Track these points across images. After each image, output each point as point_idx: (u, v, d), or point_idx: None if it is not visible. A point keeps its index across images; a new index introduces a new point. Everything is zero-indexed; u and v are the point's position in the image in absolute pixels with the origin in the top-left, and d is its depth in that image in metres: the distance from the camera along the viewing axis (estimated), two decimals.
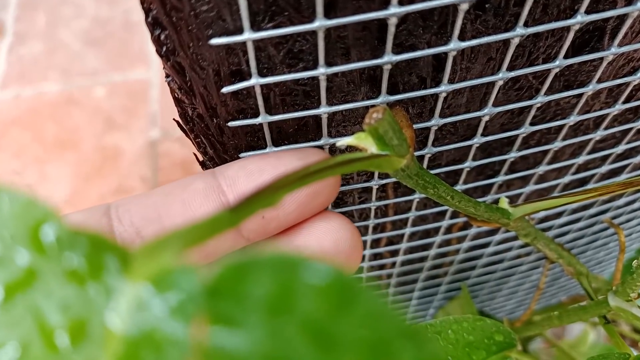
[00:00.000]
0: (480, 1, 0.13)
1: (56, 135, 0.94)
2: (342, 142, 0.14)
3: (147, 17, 0.12)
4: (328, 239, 0.15)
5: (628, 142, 0.21)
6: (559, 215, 0.26)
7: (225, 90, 0.13)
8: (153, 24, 0.12)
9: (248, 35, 0.12)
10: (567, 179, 0.22)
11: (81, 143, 0.94)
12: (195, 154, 0.16)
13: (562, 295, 0.42)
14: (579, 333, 0.53)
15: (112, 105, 0.92)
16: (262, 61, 0.13)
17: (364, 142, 0.14)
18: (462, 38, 0.14)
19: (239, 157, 0.16)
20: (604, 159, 0.22)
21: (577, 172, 0.22)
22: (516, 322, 0.33)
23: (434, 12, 0.13)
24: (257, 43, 0.13)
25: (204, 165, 0.17)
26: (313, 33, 0.13)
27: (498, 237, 0.27)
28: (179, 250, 0.08)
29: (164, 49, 0.12)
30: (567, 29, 0.15)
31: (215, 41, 0.12)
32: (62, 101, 0.97)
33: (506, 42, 0.15)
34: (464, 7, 0.12)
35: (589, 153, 0.21)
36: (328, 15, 0.12)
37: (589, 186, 0.24)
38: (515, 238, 0.28)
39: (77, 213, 0.15)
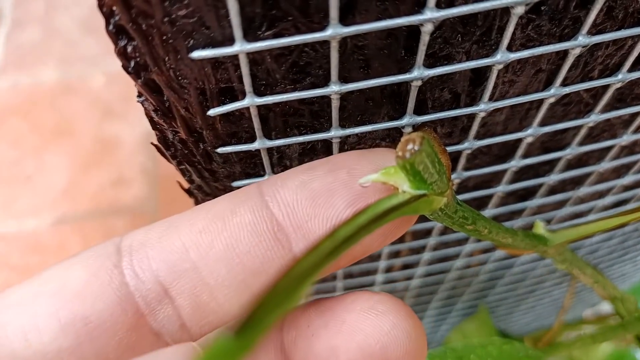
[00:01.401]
0: (536, 4, 0.10)
1: (54, 125, 0.91)
2: (366, 179, 0.11)
3: (107, 24, 0.09)
4: (379, 339, 0.11)
5: None
6: (592, 235, 0.24)
7: (212, 112, 0.11)
8: (116, 33, 0.09)
9: (240, 47, 0.09)
10: (607, 200, 0.20)
11: (80, 132, 0.92)
12: (178, 182, 0.14)
13: (578, 308, 0.40)
14: None
15: (111, 94, 0.89)
16: (259, 77, 0.10)
17: (394, 178, 0.11)
18: (509, 47, 0.11)
19: (232, 187, 0.14)
20: None
21: (619, 192, 0.20)
22: (539, 342, 0.30)
23: (477, 16, 0.10)
24: (253, 55, 0.10)
25: (190, 194, 0.14)
26: (324, 43, 0.10)
27: (523, 258, 0.24)
28: None
29: (133, 63, 0.10)
30: (637, 37, 0.12)
31: (197, 54, 0.09)
32: (60, 90, 0.94)
33: (559, 52, 0.12)
34: (519, 11, 0.10)
35: (636, 172, 0.18)
36: (344, 20, 0.09)
37: (631, 205, 0.22)
38: (541, 258, 0.25)
39: (77, 267, 0.11)
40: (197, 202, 0.15)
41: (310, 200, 0.11)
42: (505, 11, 0.10)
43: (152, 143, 0.12)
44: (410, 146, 0.10)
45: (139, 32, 0.09)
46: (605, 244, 0.26)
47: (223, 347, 0.07)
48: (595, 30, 0.12)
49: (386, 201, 0.10)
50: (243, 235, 0.11)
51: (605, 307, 0.42)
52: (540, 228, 0.17)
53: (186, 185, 0.14)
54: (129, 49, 0.09)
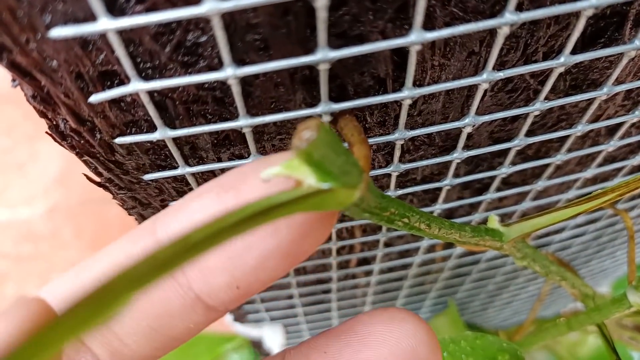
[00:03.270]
0: None
1: None
2: (267, 174, 0.10)
3: None
4: (408, 342, 0.12)
5: None
6: (560, 231, 0.22)
7: (94, 99, 0.10)
8: None
9: (105, 24, 0.08)
10: (571, 194, 0.18)
11: None
12: (85, 174, 0.12)
13: (559, 304, 0.39)
14: (578, 334, 0.50)
15: None
16: (143, 59, 0.09)
17: (297, 171, 0.10)
18: (431, 26, 0.10)
19: (144, 181, 0.13)
20: (616, 171, 0.18)
21: (584, 186, 0.18)
22: (518, 334, 0.29)
23: None
24: (127, 34, 0.09)
25: (104, 188, 0.13)
26: (208, 20, 0.09)
27: (489, 254, 0.23)
28: None
29: None
30: (577, 14, 0.11)
31: (56, 32, 0.08)
32: None
33: (493, 32, 0.11)
34: None
35: (600, 165, 0.17)
36: None
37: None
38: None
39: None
40: (113, 196, 0.14)
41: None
42: None
43: (46, 132, 0.11)
44: (306, 133, 0.09)
45: None
46: (578, 239, 0.25)
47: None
48: (534, 6, 0.11)
49: (284, 194, 0.09)
50: None
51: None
52: (494, 222, 0.16)
53: (97, 179, 0.13)
54: None
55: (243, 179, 0.10)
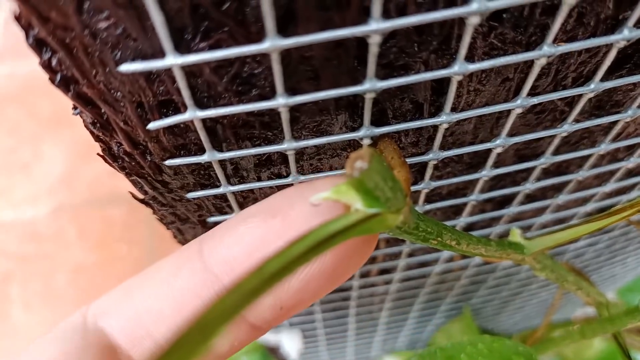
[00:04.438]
0: (496, 11, 0.10)
1: (52, 113, 0.91)
2: (317, 198, 0.10)
3: (27, 37, 0.08)
4: None
5: None
6: (576, 240, 0.23)
7: (152, 127, 0.10)
8: (38, 46, 0.08)
9: (172, 61, 0.09)
10: (589, 207, 0.19)
11: (77, 120, 0.91)
12: (131, 193, 0.13)
13: (568, 308, 0.39)
14: None
15: None
16: (200, 89, 0.10)
17: (346, 196, 0.10)
18: (470, 57, 0.11)
19: (187, 198, 0.13)
20: (634, 185, 0.19)
21: (601, 199, 0.19)
22: (529, 340, 0.30)
23: (433, 25, 0.10)
24: (190, 68, 0.09)
25: (146, 204, 0.14)
26: (265, 54, 0.09)
27: (505, 263, 0.23)
28: None
29: (59, 76, 0.09)
30: (608, 45, 0.11)
31: (126, 68, 0.09)
32: None
33: (528, 62, 0.11)
34: (474, 21, 0.09)
35: (618, 180, 0.18)
36: (284, 31, 0.09)
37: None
38: None
39: (50, 345, 0.11)
40: (154, 212, 0.14)
41: (246, 255, 0.11)
42: (463, 20, 0.10)
43: (97, 154, 0.12)
44: (358, 164, 0.09)
45: (61, 44, 0.08)
46: (592, 248, 0.25)
47: None
48: (567, 37, 0.11)
49: (338, 221, 0.10)
50: (187, 299, 0.11)
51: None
52: (516, 236, 0.17)
53: (140, 196, 0.13)
54: (54, 62, 0.09)
55: (289, 204, 0.11)
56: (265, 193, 0.14)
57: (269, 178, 0.13)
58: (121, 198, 0.81)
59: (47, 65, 0.09)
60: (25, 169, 0.88)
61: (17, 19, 0.08)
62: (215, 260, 0.11)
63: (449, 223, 0.16)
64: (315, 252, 0.08)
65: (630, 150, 0.17)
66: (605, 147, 0.15)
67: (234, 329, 0.11)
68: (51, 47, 0.09)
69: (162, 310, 0.11)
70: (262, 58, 0.09)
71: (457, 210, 0.18)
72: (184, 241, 0.16)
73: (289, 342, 0.27)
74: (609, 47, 0.11)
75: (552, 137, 0.14)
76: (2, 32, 1.00)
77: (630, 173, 0.19)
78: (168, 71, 0.09)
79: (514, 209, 0.17)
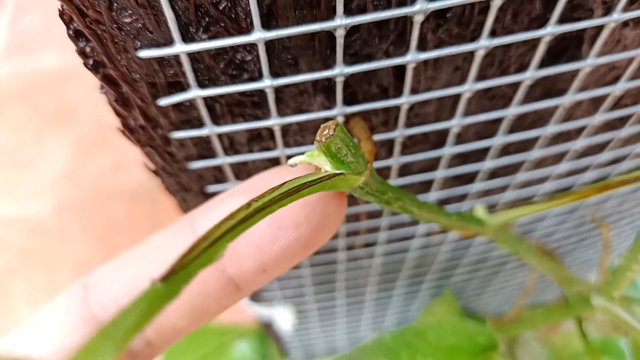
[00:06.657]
0: (441, 10, 0.12)
1: (56, 110, 0.93)
2: (293, 160, 0.13)
3: (68, 29, 0.11)
4: None
5: (611, 149, 0.20)
6: (542, 219, 0.25)
7: (162, 102, 0.12)
8: (76, 36, 0.11)
9: (180, 48, 0.11)
10: (547, 186, 0.21)
11: (81, 118, 0.93)
12: (145, 163, 0.15)
13: (552, 290, 0.41)
14: (574, 326, 0.52)
15: None
16: (202, 73, 0.12)
17: (317, 160, 0.13)
18: (423, 48, 0.13)
19: (188, 168, 0.15)
20: (587, 166, 0.21)
21: (558, 178, 0.21)
22: (503, 320, 0.32)
23: (389, 22, 0.12)
24: (194, 55, 0.12)
25: (156, 174, 0.16)
26: (254, 44, 0.12)
27: (479, 239, 0.26)
28: (115, 349, 0.07)
29: (91, 61, 0.11)
30: (539, 39, 0.13)
31: (144, 54, 0.11)
32: (62, 75, 0.95)
33: (473, 53, 0.14)
34: (418, 19, 0.11)
35: (570, 160, 0.20)
36: (268, 25, 0.11)
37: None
38: None
39: (54, 308, 0.12)
40: (162, 182, 0.16)
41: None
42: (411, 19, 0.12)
43: (117, 128, 0.14)
44: (326, 132, 0.12)
45: (94, 35, 0.11)
46: (560, 227, 0.27)
47: (153, 293, 0.09)
48: (504, 32, 0.13)
49: (306, 177, 0.12)
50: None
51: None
52: (478, 211, 0.19)
53: (152, 167, 0.16)
54: (88, 49, 0.11)
55: (269, 182, 0.13)
56: (258, 167, 0.17)
57: (260, 151, 0.15)
58: (124, 194, 0.82)
59: (82, 52, 0.11)
60: (29, 165, 0.89)
61: (61, 14, 0.10)
62: (206, 228, 0.13)
63: (421, 197, 0.19)
64: (290, 199, 0.11)
65: (579, 133, 0.19)
66: (551, 128, 0.17)
67: (222, 291, 0.13)
68: (86, 37, 0.11)
69: (157, 272, 0.13)
70: (251, 47, 0.12)
71: (427, 187, 0.20)
72: (187, 209, 0.18)
73: (282, 316, 0.30)
74: (539, 40, 0.14)
75: (504, 119, 0.17)
76: (7, 31, 1.02)
77: (583, 156, 0.21)
78: (176, 57, 0.11)
79: (477, 185, 0.20)
